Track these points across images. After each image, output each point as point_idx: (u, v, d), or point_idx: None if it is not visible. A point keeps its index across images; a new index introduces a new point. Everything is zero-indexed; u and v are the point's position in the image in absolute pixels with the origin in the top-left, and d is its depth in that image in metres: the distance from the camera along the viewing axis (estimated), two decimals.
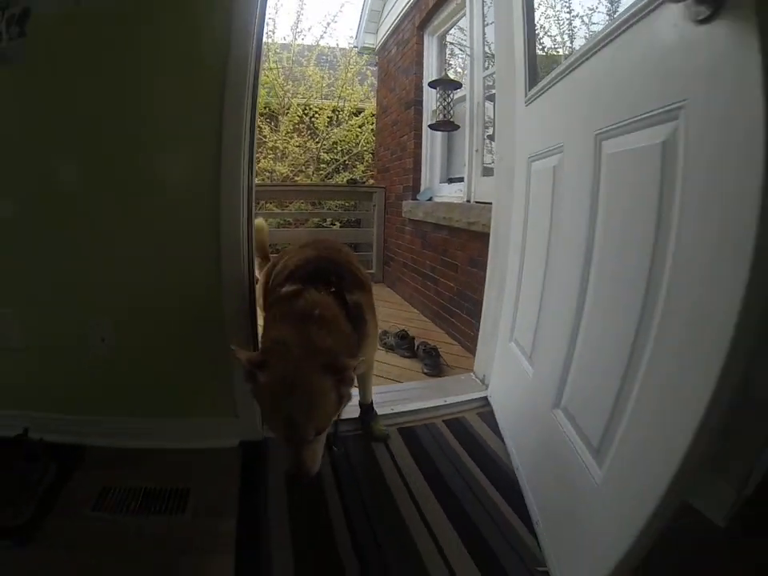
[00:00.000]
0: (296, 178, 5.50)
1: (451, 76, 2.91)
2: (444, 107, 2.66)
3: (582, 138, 0.97)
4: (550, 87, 1.20)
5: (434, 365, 2.06)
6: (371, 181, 5.11)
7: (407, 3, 3.55)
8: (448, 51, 3.46)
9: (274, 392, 0.91)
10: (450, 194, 2.96)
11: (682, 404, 0.63)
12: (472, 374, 1.93)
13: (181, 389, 1.40)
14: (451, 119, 2.67)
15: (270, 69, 5.39)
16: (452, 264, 2.53)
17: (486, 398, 1.71)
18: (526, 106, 1.42)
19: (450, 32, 3.34)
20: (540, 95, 1.29)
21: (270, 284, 1.31)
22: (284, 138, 5.48)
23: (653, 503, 0.65)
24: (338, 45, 6.28)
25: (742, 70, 0.55)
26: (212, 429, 1.40)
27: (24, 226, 1.27)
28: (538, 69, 1.42)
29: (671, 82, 0.68)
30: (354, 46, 5.25)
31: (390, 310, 3.13)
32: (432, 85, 2.83)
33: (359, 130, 5.63)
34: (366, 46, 4.74)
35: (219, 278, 1.30)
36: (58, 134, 1.23)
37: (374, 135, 5.20)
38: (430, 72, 3.43)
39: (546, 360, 1.16)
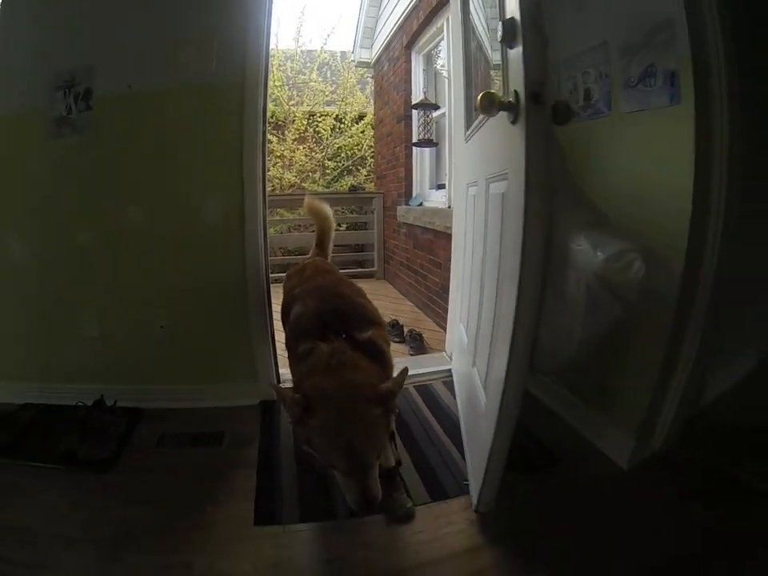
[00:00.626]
0: (303, 185, 5.93)
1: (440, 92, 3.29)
2: (425, 126, 3.08)
3: (483, 179, 1.41)
4: (474, 134, 1.63)
5: (417, 347, 2.52)
6: (372, 185, 5.54)
7: (395, 23, 3.88)
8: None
9: (331, 428, 0.98)
10: (437, 199, 3.36)
11: (503, 349, 1.06)
12: (444, 352, 2.37)
13: (215, 361, 1.88)
14: (431, 137, 3.10)
15: (275, 85, 5.83)
16: (437, 262, 2.96)
17: (450, 370, 2.13)
18: (466, 142, 1.84)
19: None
20: (471, 137, 1.71)
21: (288, 334, 1.39)
22: (291, 146, 5.92)
23: (497, 413, 1.09)
24: (340, 52, 6.48)
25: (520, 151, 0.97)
26: (239, 391, 1.88)
27: (103, 249, 1.77)
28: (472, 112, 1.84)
29: (505, 156, 1.12)
30: (352, 60, 5.63)
31: (389, 303, 3.58)
32: (413, 107, 3.25)
33: (361, 135, 6.01)
34: (362, 60, 5.08)
35: (244, 272, 1.79)
36: (121, 184, 1.72)
37: (374, 141, 5.61)
38: (418, 88, 3.77)
39: (470, 333, 1.61)
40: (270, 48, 1.76)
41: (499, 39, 1.04)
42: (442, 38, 3.27)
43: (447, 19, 2.95)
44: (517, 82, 0.98)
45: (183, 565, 1.08)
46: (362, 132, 6.02)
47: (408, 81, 3.84)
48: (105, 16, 1.61)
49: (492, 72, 1.67)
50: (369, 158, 5.95)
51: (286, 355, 1.40)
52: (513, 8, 0.98)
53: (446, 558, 1.15)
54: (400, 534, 1.22)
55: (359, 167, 6.07)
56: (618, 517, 1.27)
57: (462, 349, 1.85)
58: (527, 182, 0.93)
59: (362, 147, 6.03)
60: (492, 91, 1.06)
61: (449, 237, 2.67)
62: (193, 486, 1.39)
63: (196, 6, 1.62)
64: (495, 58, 1.46)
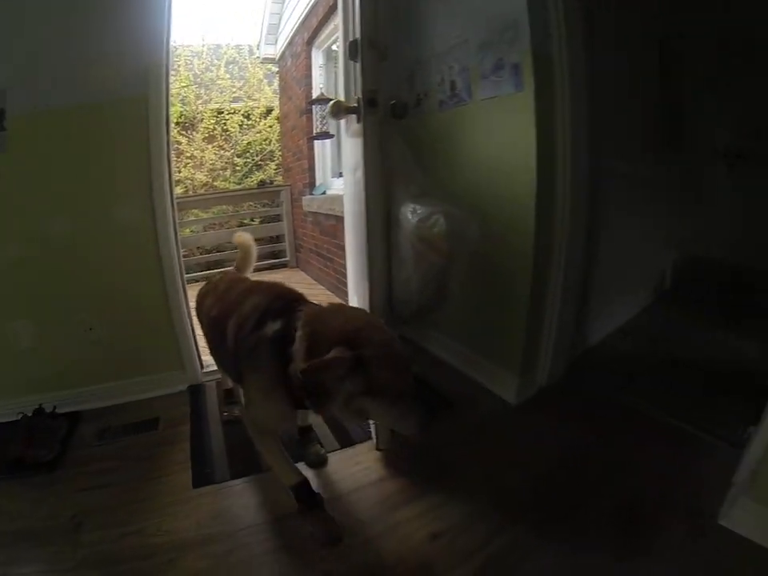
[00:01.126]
0: (215, 183, 5.80)
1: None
2: (323, 119, 3.21)
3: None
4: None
5: None
6: (281, 178, 5.54)
7: (298, 20, 3.96)
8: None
9: (390, 356, 0.96)
10: (338, 187, 3.50)
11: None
12: None
13: (144, 355, 1.99)
14: (328, 130, 3.24)
15: (182, 85, 5.63)
16: (341, 245, 3.09)
17: None
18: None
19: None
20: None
21: (241, 341, 1.17)
22: (200, 146, 5.75)
23: None
24: (247, 47, 6.34)
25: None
26: (168, 380, 2.01)
27: (29, 261, 1.77)
28: None
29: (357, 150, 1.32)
30: (257, 57, 5.59)
31: (303, 290, 3.55)
32: (311, 102, 3.38)
33: (269, 130, 5.96)
34: (268, 56, 5.09)
35: (162, 271, 1.90)
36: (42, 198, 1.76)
37: (280, 135, 5.61)
38: (318, 83, 3.88)
39: (358, 297, 1.78)
40: (175, 45, 1.82)
41: (347, 57, 1.30)
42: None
43: None
44: (358, 90, 1.25)
45: (136, 532, 1.21)
46: (270, 127, 5.98)
47: (309, 76, 3.94)
48: (12, 41, 1.62)
49: None
50: (277, 151, 5.93)
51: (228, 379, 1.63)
52: (356, 31, 1.26)
53: (358, 489, 1.35)
54: (317, 476, 1.40)
55: (268, 161, 6.02)
56: (504, 442, 1.54)
57: None
58: (366, 170, 1.20)
59: (270, 141, 5.99)
60: (339, 99, 1.34)
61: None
62: (136, 466, 1.50)
63: (103, 28, 1.68)
64: None
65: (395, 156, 1.45)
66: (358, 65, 1.24)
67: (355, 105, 1.25)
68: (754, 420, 1.28)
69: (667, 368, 2.07)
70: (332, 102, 1.26)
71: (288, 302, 1.15)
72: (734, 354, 2.23)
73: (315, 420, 1.59)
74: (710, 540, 1.13)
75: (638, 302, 2.91)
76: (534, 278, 1.67)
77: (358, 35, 1.24)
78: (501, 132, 1.70)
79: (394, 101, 1.39)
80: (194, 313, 1.85)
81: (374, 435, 1.49)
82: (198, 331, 1.85)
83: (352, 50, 1.25)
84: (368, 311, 1.20)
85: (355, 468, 1.43)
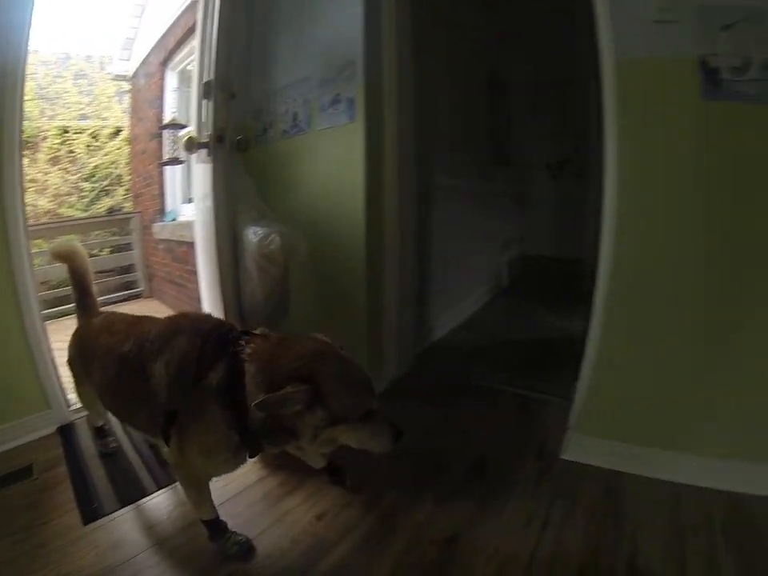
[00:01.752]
0: (59, 210, 5.08)
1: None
2: (173, 145, 3.09)
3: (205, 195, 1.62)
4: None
5: None
6: (131, 204, 5.09)
7: (155, 38, 3.75)
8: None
9: (348, 377, 0.96)
10: (189, 213, 3.34)
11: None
12: None
13: (3, 401, 1.68)
14: (178, 156, 3.13)
15: (26, 98, 4.80)
16: (193, 271, 2.95)
17: None
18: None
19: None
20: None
21: (173, 388, 1.03)
22: (43, 168, 5.01)
23: None
24: (99, 59, 5.76)
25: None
26: (34, 423, 1.74)
27: None
28: None
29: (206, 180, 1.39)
30: (108, 72, 5.13)
31: None
32: (162, 128, 3.24)
33: (118, 152, 5.43)
34: (120, 73, 4.72)
35: (19, 308, 1.66)
36: None
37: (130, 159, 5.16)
38: (171, 106, 3.71)
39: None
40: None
41: (200, 95, 1.45)
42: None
43: None
44: (210, 126, 1.41)
45: None
46: (119, 149, 5.47)
47: (161, 98, 3.77)
48: None
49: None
50: (126, 176, 5.43)
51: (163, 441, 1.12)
52: (210, 73, 1.42)
53: (241, 492, 1.39)
54: None
55: (116, 186, 5.49)
56: None
57: None
58: (215, 199, 1.38)
59: (118, 165, 5.47)
60: (192, 135, 1.46)
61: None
62: (19, 517, 1.33)
63: None
64: None
65: (239, 185, 1.58)
66: (210, 103, 1.40)
67: (206, 140, 1.41)
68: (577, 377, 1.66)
69: (507, 349, 2.55)
70: (185, 138, 1.42)
71: (223, 342, 1.03)
72: (560, 331, 2.77)
73: None
74: (555, 471, 1.47)
75: (481, 298, 3.40)
76: (369, 285, 1.85)
77: (212, 77, 1.40)
78: (336, 157, 1.86)
79: (240, 136, 1.55)
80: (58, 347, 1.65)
81: None
82: (62, 368, 1.66)
83: (206, 90, 1.42)
84: (315, 337, 1.07)
85: (233, 474, 1.38)
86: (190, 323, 1.10)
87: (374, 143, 1.78)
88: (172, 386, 1.02)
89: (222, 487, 1.36)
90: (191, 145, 1.37)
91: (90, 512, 1.32)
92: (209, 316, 1.18)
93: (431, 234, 2.38)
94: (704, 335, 1.34)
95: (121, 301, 4.16)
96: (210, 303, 2.11)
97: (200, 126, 1.49)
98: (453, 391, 2.01)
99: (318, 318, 1.95)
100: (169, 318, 1.18)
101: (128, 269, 4.47)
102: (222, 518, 1.17)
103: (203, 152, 1.46)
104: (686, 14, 1.22)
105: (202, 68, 1.54)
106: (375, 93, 1.78)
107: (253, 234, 1.44)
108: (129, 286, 4.46)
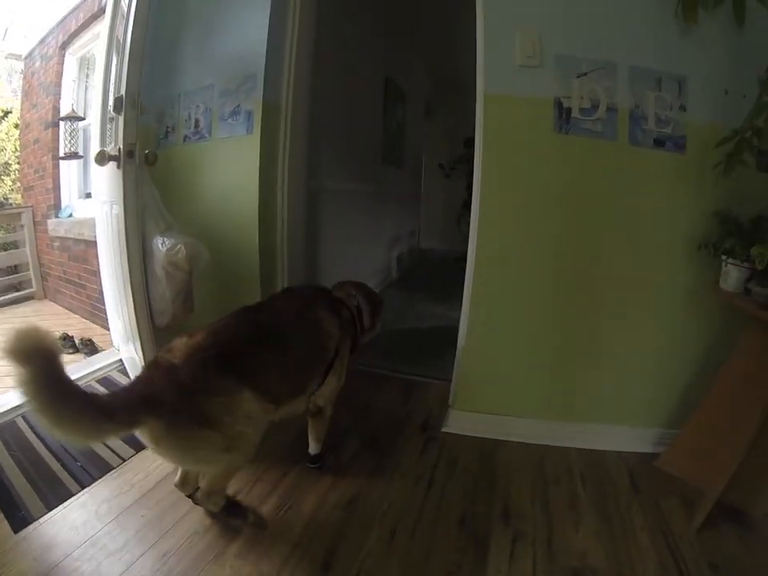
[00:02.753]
0: None
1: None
2: (71, 138, 2.90)
3: (109, 199, 1.64)
4: None
5: (90, 351, 2.51)
6: (20, 196, 4.57)
7: (55, 18, 3.41)
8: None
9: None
10: (87, 209, 3.12)
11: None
12: (113, 348, 2.37)
13: None
14: (77, 150, 2.95)
15: None
16: (93, 271, 2.84)
17: (120, 360, 2.18)
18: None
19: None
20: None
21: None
22: None
23: None
24: None
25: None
26: None
27: None
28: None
29: (116, 189, 1.48)
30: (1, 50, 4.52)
31: (56, 321, 3.16)
32: (60, 119, 3.02)
33: (5, 137, 4.88)
34: (13, 52, 4.24)
35: None
36: None
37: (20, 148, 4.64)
38: (69, 95, 3.43)
39: (124, 322, 1.79)
40: None
41: (112, 109, 1.51)
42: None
43: None
44: (120, 141, 1.44)
45: None
46: (7, 134, 4.89)
47: (59, 85, 3.42)
48: None
49: None
50: (14, 164, 4.89)
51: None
52: (122, 88, 1.46)
53: (151, 489, 1.39)
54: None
55: (2, 176, 4.91)
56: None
57: (124, 338, 2.01)
58: (125, 211, 1.41)
59: (5, 151, 4.89)
60: (103, 149, 1.52)
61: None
62: None
63: None
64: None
65: (146, 196, 1.62)
66: (121, 118, 1.43)
67: (116, 154, 1.45)
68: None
69: (394, 338, 2.68)
70: (98, 151, 1.48)
71: (331, 296, 1.52)
72: (447, 320, 2.88)
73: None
74: (437, 441, 1.70)
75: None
76: (263, 285, 1.97)
77: (123, 92, 1.44)
78: (233, 166, 1.94)
79: (147, 150, 1.60)
80: None
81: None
82: None
83: (117, 105, 1.46)
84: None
85: (137, 477, 1.44)
86: (314, 293, 1.48)
87: (268, 155, 1.90)
88: (341, 337, 1.42)
89: (137, 483, 1.41)
90: (102, 158, 1.43)
91: (19, 520, 1.28)
92: (309, 285, 1.67)
93: (321, 235, 2.54)
94: (553, 322, 1.64)
95: (8, 304, 3.70)
96: (114, 307, 2.10)
97: (105, 140, 1.65)
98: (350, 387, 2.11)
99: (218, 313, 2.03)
100: (288, 299, 1.43)
101: (15, 269, 4.04)
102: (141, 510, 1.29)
103: (112, 164, 1.51)
104: (547, 61, 1.48)
105: (107, 78, 1.64)
106: (272, 108, 1.89)
107: (161, 244, 1.55)
108: (17, 287, 4.01)
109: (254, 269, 1.94)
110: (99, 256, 2.21)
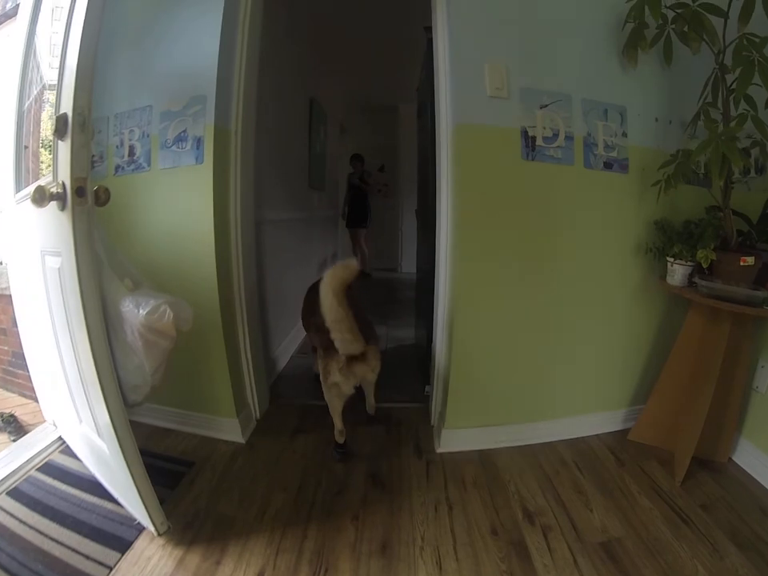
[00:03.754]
0: None
1: None
2: None
3: (38, 249, 1.27)
4: (26, 199, 1.28)
5: (16, 429, 2.02)
6: None
7: None
8: None
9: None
10: None
11: (98, 396, 1.07)
12: (46, 422, 1.88)
13: None
14: None
15: None
16: (1, 329, 2.25)
17: (60, 437, 1.75)
18: (17, 203, 1.52)
19: None
20: (24, 200, 1.39)
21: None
22: None
23: (120, 451, 1.07)
24: None
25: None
26: None
27: None
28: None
29: (57, 236, 1.09)
30: None
31: None
32: None
33: None
34: None
35: None
36: None
37: None
38: None
39: (65, 394, 1.40)
40: None
41: (52, 131, 1.03)
42: None
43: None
44: (64, 174, 1.00)
45: None
46: None
47: None
48: None
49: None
50: None
51: None
52: (66, 104, 0.99)
53: None
54: None
55: None
56: (258, 480, 1.50)
57: (64, 412, 1.57)
58: (78, 264, 1.01)
59: None
60: (42, 185, 1.04)
61: (8, 298, 2.09)
62: None
63: None
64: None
65: (98, 245, 1.24)
66: (66, 144, 0.99)
67: (60, 191, 1.01)
68: (427, 380, 2.03)
69: None
70: (35, 188, 1.01)
71: None
72: (395, 341, 3.01)
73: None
74: (437, 463, 1.68)
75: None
76: (227, 333, 1.74)
77: (67, 109, 0.98)
78: (182, 202, 1.66)
79: (97, 186, 1.15)
80: None
81: (147, 524, 1.29)
82: None
83: (60, 127, 0.99)
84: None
85: (151, 563, 1.20)
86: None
87: (221, 188, 1.66)
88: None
89: None
90: (42, 197, 0.99)
91: None
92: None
93: (264, 267, 2.32)
94: (528, 327, 1.72)
95: None
96: (48, 372, 1.66)
97: (55, 170, 1.07)
98: (317, 417, 1.95)
99: (183, 375, 1.75)
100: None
101: None
102: None
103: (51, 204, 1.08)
104: (513, 93, 1.53)
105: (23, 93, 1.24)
106: (223, 134, 1.66)
107: (136, 307, 1.17)
108: None
109: (215, 319, 1.69)
110: (19, 314, 1.73)
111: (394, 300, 4.40)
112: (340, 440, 1.69)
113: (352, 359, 1.54)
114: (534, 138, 1.57)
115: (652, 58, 1.59)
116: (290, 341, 2.76)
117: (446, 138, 1.63)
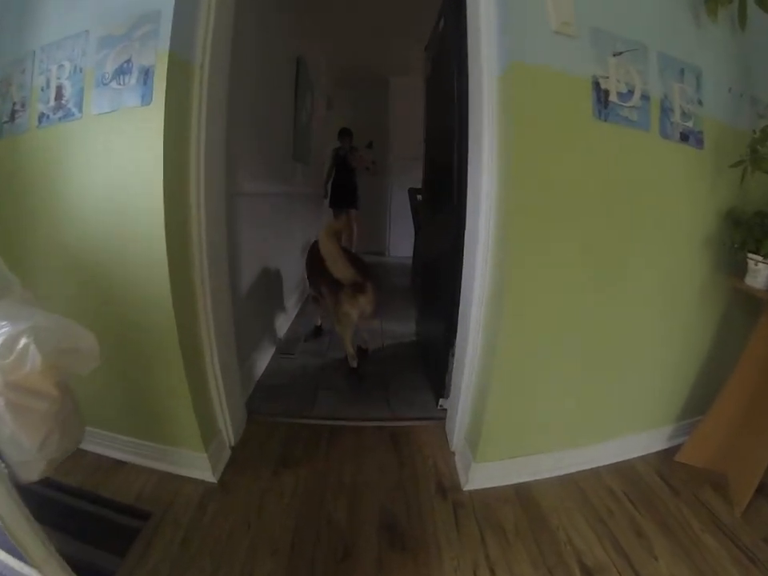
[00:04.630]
0: None
1: None
2: None
3: None
4: None
5: None
6: None
7: None
8: None
9: None
10: None
11: None
12: None
13: None
14: None
15: None
16: None
17: None
18: None
19: None
20: None
21: None
22: None
23: None
24: None
25: None
26: None
27: None
28: None
29: None
30: None
31: None
32: None
33: None
34: None
35: None
36: None
37: None
38: None
39: None
40: None
41: None
42: None
43: None
44: None
45: None
46: None
47: None
48: None
49: None
50: None
51: None
52: None
53: None
54: None
55: None
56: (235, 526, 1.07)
57: None
58: None
59: None
60: None
61: None
62: None
63: None
64: None
65: None
66: None
67: None
68: (439, 389, 1.75)
69: (339, 370, 2.12)
70: None
71: None
72: (393, 338, 2.56)
73: None
74: (467, 505, 1.30)
75: (293, 309, 3.03)
76: (183, 336, 1.25)
77: None
78: (121, 160, 1.16)
79: None
80: None
81: None
82: None
83: None
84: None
85: None
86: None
87: (177, 140, 1.16)
88: None
89: None
90: None
91: None
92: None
93: (239, 249, 1.84)
94: (581, 334, 1.34)
95: None
96: None
97: None
98: (306, 440, 1.58)
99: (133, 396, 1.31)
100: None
101: None
102: None
103: None
104: (583, 32, 1.12)
105: None
106: (184, 67, 1.16)
107: None
108: None
109: (166, 325, 1.20)
110: None
111: (383, 287, 3.86)
112: (353, 364, 1.98)
113: (356, 292, 1.82)
114: (606, 93, 1.17)
115: (725, 20, 1.25)
116: (269, 337, 2.30)
117: (490, 88, 1.20)
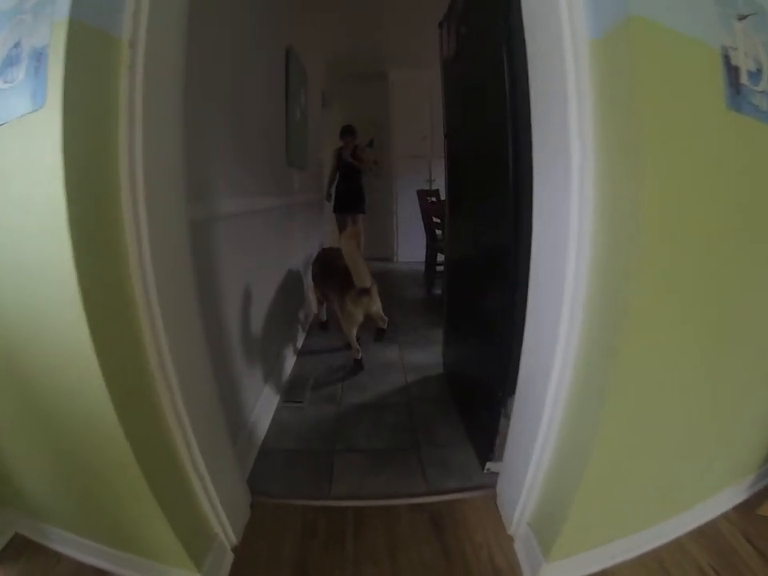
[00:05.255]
0: None
1: None
2: None
3: None
4: None
5: None
6: None
7: None
8: None
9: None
10: None
11: None
12: None
13: None
14: None
15: None
16: None
17: None
18: None
19: None
20: None
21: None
22: None
23: None
24: None
25: None
26: None
27: None
28: None
29: None
30: None
31: None
32: None
33: None
34: None
35: None
36: None
37: None
38: None
39: None
40: None
41: None
42: None
43: None
44: None
45: None
46: None
47: None
48: None
49: None
50: None
51: None
52: None
53: None
54: None
55: None
56: None
57: None
58: None
59: None
60: None
61: None
62: None
63: None
64: None
65: None
66: None
67: None
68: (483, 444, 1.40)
69: (359, 425, 1.69)
70: None
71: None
72: (415, 371, 2.10)
73: None
74: None
75: (295, 346, 2.49)
76: (137, 445, 0.86)
77: None
78: (6, 198, 0.73)
79: None
80: None
81: None
82: None
83: None
84: None
85: None
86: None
87: (89, 154, 0.72)
88: None
89: None
90: None
91: None
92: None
93: (223, 286, 1.37)
94: (693, 380, 0.92)
95: None
96: None
97: None
98: (326, 527, 1.20)
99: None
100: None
101: None
102: None
103: None
104: None
105: None
106: (99, 39, 0.73)
107: None
108: None
109: (110, 432, 0.80)
110: None
111: (393, 300, 3.34)
112: (357, 356, 2.12)
113: (360, 293, 1.89)
114: (737, 71, 0.74)
115: None
116: (272, 383, 1.86)
117: (577, 58, 0.77)
